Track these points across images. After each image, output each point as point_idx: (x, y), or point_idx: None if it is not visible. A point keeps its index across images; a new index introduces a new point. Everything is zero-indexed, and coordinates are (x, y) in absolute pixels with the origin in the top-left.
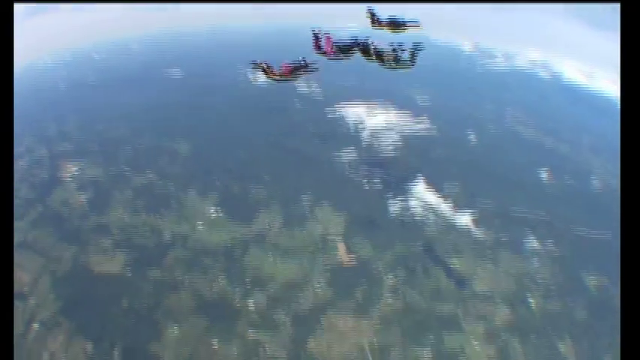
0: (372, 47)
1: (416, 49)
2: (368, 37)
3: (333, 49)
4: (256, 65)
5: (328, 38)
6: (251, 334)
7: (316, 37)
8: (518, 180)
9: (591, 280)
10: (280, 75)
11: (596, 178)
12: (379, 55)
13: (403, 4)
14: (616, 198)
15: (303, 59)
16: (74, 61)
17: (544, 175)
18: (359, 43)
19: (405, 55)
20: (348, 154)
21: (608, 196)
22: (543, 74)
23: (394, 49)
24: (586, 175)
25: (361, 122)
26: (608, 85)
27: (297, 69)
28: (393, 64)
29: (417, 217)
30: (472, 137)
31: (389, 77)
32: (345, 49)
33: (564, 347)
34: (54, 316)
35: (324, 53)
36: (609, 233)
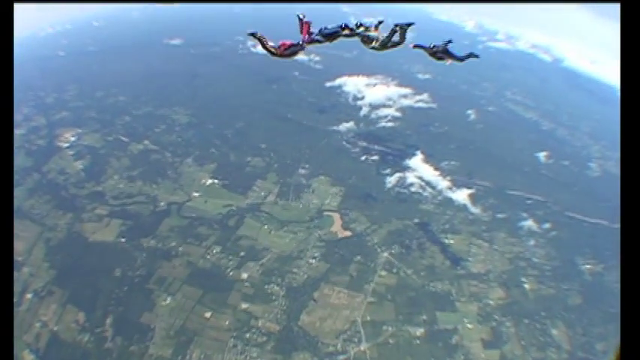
0: (359, 33)
1: (404, 27)
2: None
3: (310, 37)
4: (254, 36)
5: (307, 24)
6: (243, 305)
7: (301, 22)
8: (516, 161)
9: (586, 266)
10: (276, 50)
11: (595, 163)
12: (366, 40)
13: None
14: (613, 185)
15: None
16: (74, 29)
17: (542, 157)
18: (344, 29)
19: (395, 39)
20: (346, 127)
21: (605, 182)
22: (545, 57)
23: (386, 36)
24: (585, 160)
25: (360, 95)
26: (611, 72)
27: (295, 47)
28: (378, 46)
29: (414, 193)
30: (472, 115)
31: (389, 52)
32: (330, 35)
33: (557, 332)
34: (47, 285)
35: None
36: (606, 220)
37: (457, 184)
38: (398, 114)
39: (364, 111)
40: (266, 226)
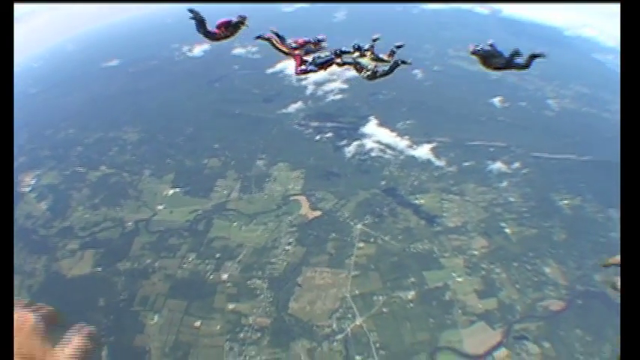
0: (351, 61)
1: (398, 62)
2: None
3: (304, 68)
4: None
5: (299, 56)
6: (230, 306)
7: (292, 54)
8: (471, 112)
9: (564, 201)
10: (219, 33)
11: (551, 101)
12: (359, 68)
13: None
14: (573, 120)
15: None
16: (15, 75)
17: (497, 103)
18: (338, 56)
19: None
20: (295, 108)
21: (565, 119)
22: (482, 10)
23: (375, 66)
24: (540, 101)
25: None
26: (552, 14)
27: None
28: (367, 76)
29: (375, 158)
30: (418, 75)
31: (325, 28)
32: (323, 64)
33: (550, 270)
34: None
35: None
36: (573, 154)
37: (417, 142)
38: (344, 86)
39: (310, 90)
40: (235, 223)
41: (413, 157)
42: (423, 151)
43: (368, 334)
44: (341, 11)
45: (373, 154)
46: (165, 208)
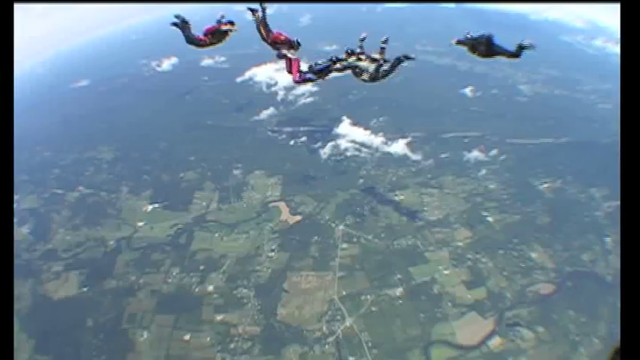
0: (352, 65)
1: (400, 59)
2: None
3: (302, 76)
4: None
5: (296, 62)
6: (218, 317)
7: (289, 61)
8: (443, 105)
9: (544, 185)
10: (204, 40)
11: (523, 87)
12: (358, 72)
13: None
14: (547, 103)
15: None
16: None
17: (469, 93)
18: (335, 62)
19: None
20: (267, 114)
21: (538, 103)
22: (446, 5)
23: (377, 66)
24: (511, 88)
25: (273, 81)
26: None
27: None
28: (367, 78)
29: (351, 158)
30: None
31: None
32: (321, 70)
33: (537, 255)
34: (31, 356)
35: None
36: (550, 137)
37: (391, 138)
38: (314, 88)
39: (280, 95)
40: (217, 234)
41: (389, 153)
42: (399, 147)
43: (359, 335)
44: (306, 15)
45: (349, 153)
46: (146, 225)
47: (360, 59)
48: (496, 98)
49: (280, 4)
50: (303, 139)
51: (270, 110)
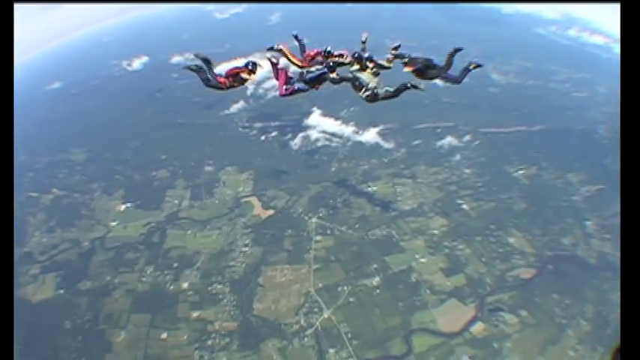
0: (350, 77)
1: (407, 85)
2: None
3: (290, 87)
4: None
5: (283, 71)
6: (194, 314)
7: (275, 68)
8: (414, 96)
9: (519, 172)
10: (225, 82)
11: (495, 76)
12: (357, 85)
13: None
14: (520, 93)
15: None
16: None
17: (440, 84)
18: (332, 70)
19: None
20: (237, 109)
21: (510, 93)
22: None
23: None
24: (483, 79)
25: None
26: None
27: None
28: (368, 95)
29: (322, 148)
30: None
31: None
32: (314, 80)
33: (515, 240)
34: None
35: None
36: (524, 125)
37: (362, 127)
38: None
39: (250, 89)
40: (189, 231)
41: (360, 142)
42: (370, 135)
43: (338, 326)
44: (275, 13)
45: (319, 144)
46: (119, 224)
47: (363, 69)
48: (468, 89)
49: (250, 3)
50: (274, 134)
51: (240, 104)
